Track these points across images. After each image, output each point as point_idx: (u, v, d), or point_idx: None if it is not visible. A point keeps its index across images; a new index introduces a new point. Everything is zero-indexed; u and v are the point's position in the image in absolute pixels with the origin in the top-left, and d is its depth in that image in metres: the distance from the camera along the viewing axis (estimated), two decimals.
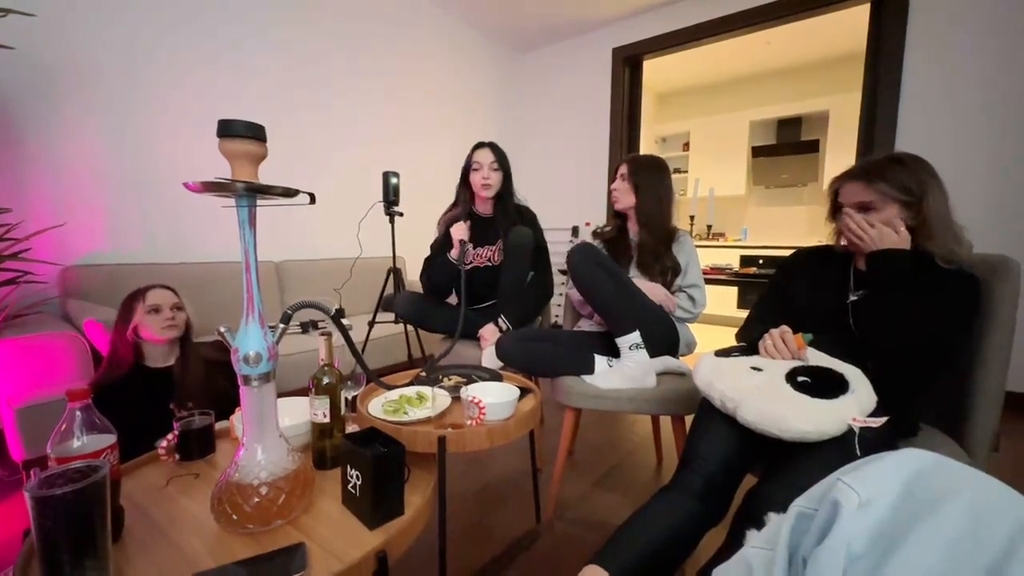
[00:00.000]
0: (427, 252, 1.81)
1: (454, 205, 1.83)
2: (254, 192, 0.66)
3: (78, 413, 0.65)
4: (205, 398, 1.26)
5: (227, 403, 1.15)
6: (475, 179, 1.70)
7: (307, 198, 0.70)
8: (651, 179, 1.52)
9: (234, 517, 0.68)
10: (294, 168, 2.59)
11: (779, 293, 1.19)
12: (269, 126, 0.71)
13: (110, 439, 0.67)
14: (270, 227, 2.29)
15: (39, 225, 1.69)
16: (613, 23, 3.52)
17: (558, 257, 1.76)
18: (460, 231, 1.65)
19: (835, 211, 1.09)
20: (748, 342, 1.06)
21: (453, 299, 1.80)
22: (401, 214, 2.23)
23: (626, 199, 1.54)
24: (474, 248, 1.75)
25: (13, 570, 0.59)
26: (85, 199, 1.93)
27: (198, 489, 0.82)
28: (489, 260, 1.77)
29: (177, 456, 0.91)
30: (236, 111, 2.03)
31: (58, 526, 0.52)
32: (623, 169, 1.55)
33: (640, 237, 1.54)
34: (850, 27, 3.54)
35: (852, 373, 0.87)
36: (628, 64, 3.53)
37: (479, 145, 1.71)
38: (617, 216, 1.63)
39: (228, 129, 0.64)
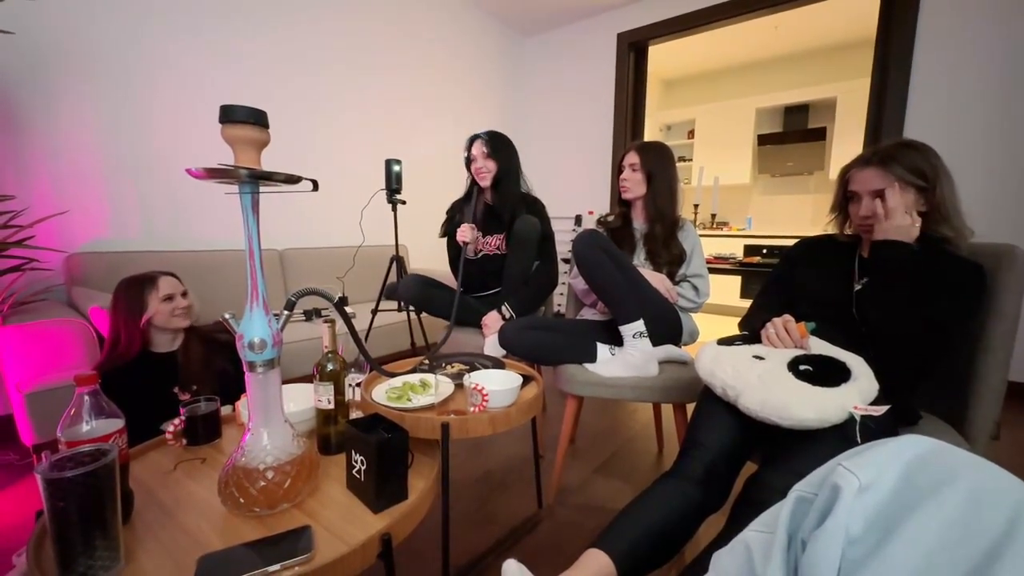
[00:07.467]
0: (430, 240, 1.82)
1: (467, 195, 1.84)
2: (257, 179, 0.65)
3: (86, 398, 0.66)
4: (209, 382, 1.28)
5: (231, 385, 1.17)
6: (474, 170, 1.75)
7: (310, 185, 0.69)
8: (661, 168, 1.51)
9: (241, 500, 0.69)
10: (296, 155, 2.58)
11: (783, 282, 1.19)
12: (271, 112, 0.70)
13: (118, 423, 0.68)
14: (273, 215, 2.29)
15: (42, 212, 1.69)
16: (618, 7, 3.46)
17: (562, 246, 1.76)
18: (463, 234, 1.70)
19: (844, 200, 1.08)
20: (751, 331, 1.06)
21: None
22: (404, 202, 2.22)
23: (637, 189, 1.53)
24: (483, 236, 1.78)
25: (27, 549, 0.60)
26: (86, 186, 1.92)
27: (205, 473, 0.84)
28: (498, 248, 1.77)
29: (184, 441, 0.93)
30: (237, 97, 2.01)
31: (69, 507, 0.54)
32: (632, 158, 1.52)
33: (649, 227, 1.54)
34: (860, 12, 3.46)
35: (854, 362, 0.87)
36: (633, 50, 3.48)
37: (471, 140, 1.75)
38: (622, 204, 1.62)
39: (230, 115, 0.64)
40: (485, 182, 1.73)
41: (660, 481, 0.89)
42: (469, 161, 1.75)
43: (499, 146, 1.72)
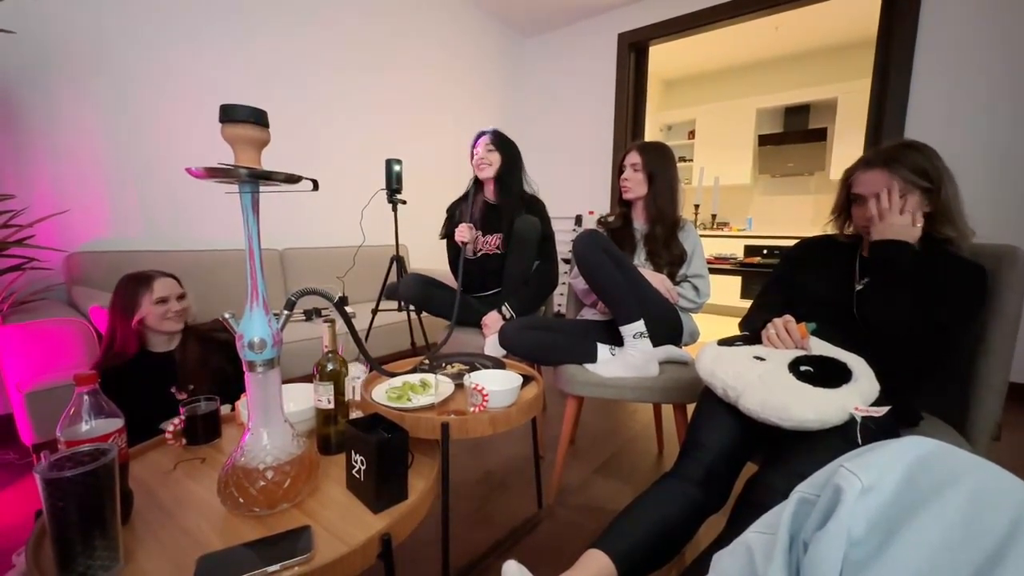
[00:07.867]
0: (430, 239, 1.82)
1: (464, 195, 1.84)
2: (257, 178, 0.65)
3: (86, 397, 0.66)
4: (206, 381, 1.28)
5: (230, 385, 1.16)
6: (475, 162, 1.74)
7: (310, 184, 0.69)
8: (663, 168, 1.51)
9: (240, 500, 0.69)
10: (296, 155, 2.58)
11: (783, 283, 1.19)
12: (271, 112, 0.70)
13: (118, 423, 0.68)
14: (273, 215, 2.29)
15: (42, 211, 1.69)
16: (618, 8, 3.45)
17: (562, 246, 1.76)
18: (462, 234, 1.69)
19: (847, 202, 1.08)
20: (751, 331, 1.06)
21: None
22: (404, 202, 2.22)
23: (638, 189, 1.52)
24: (483, 235, 1.78)
25: (26, 549, 0.60)
26: (87, 185, 1.92)
27: (205, 473, 0.84)
28: (497, 247, 1.77)
29: (184, 441, 0.92)
30: (237, 97, 2.01)
31: (69, 507, 0.53)
32: (633, 158, 1.52)
33: (650, 227, 1.54)
34: (861, 12, 3.46)
35: (855, 362, 0.87)
36: (634, 50, 3.48)
37: (478, 135, 1.74)
38: (622, 205, 1.62)
39: (231, 114, 0.64)
40: (484, 173, 1.72)
41: (660, 482, 0.89)
42: (472, 157, 1.74)
43: (504, 142, 1.72)
